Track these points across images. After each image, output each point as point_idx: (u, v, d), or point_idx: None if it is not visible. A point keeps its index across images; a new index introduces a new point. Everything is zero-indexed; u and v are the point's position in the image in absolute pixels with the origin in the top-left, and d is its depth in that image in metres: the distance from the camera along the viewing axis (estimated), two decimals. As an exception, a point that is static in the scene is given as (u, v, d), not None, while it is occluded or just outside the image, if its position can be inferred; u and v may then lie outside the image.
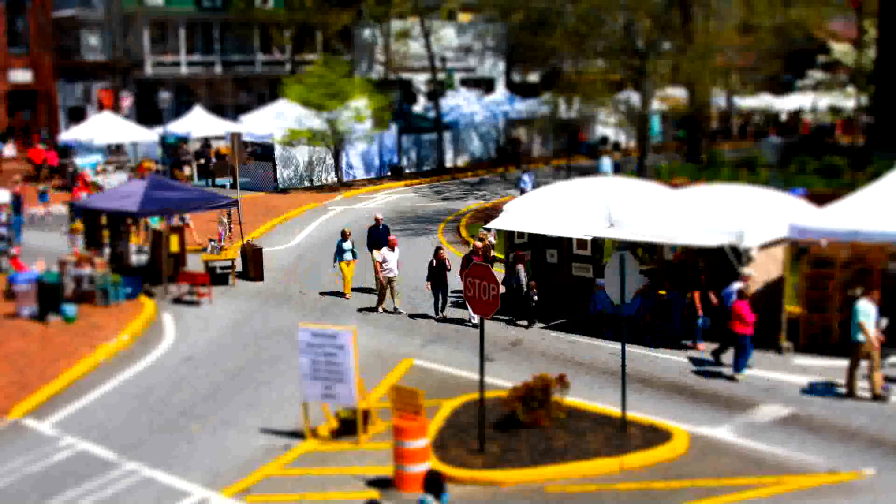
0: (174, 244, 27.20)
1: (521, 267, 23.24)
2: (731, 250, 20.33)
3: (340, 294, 25.83)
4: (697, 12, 44.01)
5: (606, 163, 44.03)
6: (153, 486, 14.96)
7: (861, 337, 17.50)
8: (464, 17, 71.70)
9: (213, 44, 66.27)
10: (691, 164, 42.19)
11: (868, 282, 19.50)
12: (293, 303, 25.51)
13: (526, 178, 39.88)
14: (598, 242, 23.95)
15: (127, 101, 60.62)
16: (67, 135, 51.87)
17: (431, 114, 55.42)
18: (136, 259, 28.88)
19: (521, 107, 59.23)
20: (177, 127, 53.27)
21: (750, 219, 20.62)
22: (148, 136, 51.85)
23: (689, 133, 50.12)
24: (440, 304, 23.85)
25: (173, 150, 51.44)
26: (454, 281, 24.15)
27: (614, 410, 16.59)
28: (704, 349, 20.38)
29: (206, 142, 51.78)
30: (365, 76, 57.65)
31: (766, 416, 16.97)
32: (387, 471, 14.80)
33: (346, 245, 25.52)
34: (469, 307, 19.90)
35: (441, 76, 60.12)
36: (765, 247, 20.70)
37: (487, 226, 26.10)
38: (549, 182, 31.69)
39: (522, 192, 36.74)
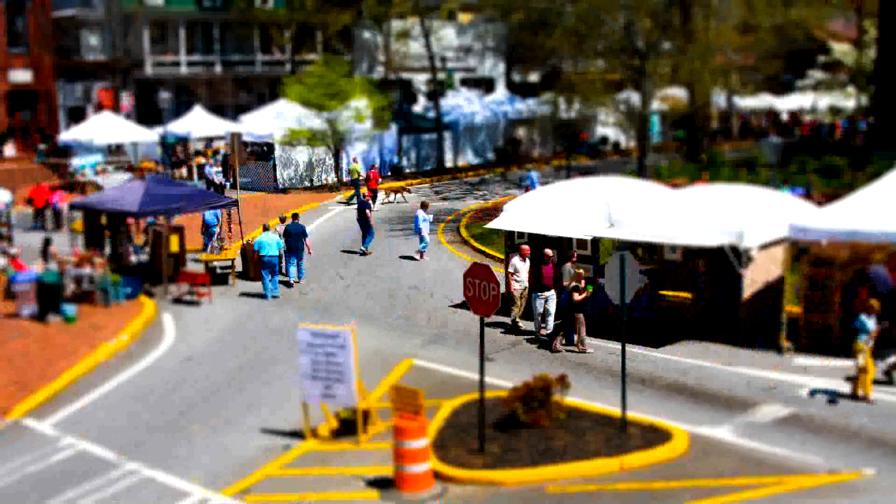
0: (174, 244, 27.21)
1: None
2: (731, 250, 20.33)
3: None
4: (697, 12, 44.00)
5: (534, 176, 41.15)
6: (153, 486, 14.96)
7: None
8: (464, 17, 71.73)
9: (213, 44, 66.30)
10: (691, 164, 42.18)
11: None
12: (293, 303, 25.51)
13: (532, 175, 39.89)
14: (598, 242, 23.96)
15: (127, 102, 60.67)
16: (67, 135, 51.95)
17: (431, 114, 55.45)
18: (136, 258, 28.89)
19: (521, 107, 59.27)
20: (177, 127, 53.32)
21: (750, 219, 20.63)
22: (148, 136, 51.91)
23: (689, 133, 50.14)
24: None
25: (174, 150, 51.53)
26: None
27: (614, 410, 16.59)
28: None
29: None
30: (365, 76, 57.67)
31: (766, 416, 16.97)
32: (387, 471, 14.80)
33: None
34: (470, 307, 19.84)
35: (441, 76, 60.13)
36: (765, 247, 20.71)
37: (489, 224, 26.07)
38: (549, 182, 31.67)
39: (528, 190, 36.83)
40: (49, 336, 22.58)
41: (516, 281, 22.40)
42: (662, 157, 50.13)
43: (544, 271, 21.81)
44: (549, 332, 21.46)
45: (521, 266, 22.45)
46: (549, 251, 22.06)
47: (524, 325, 22.46)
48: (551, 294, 21.53)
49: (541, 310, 21.63)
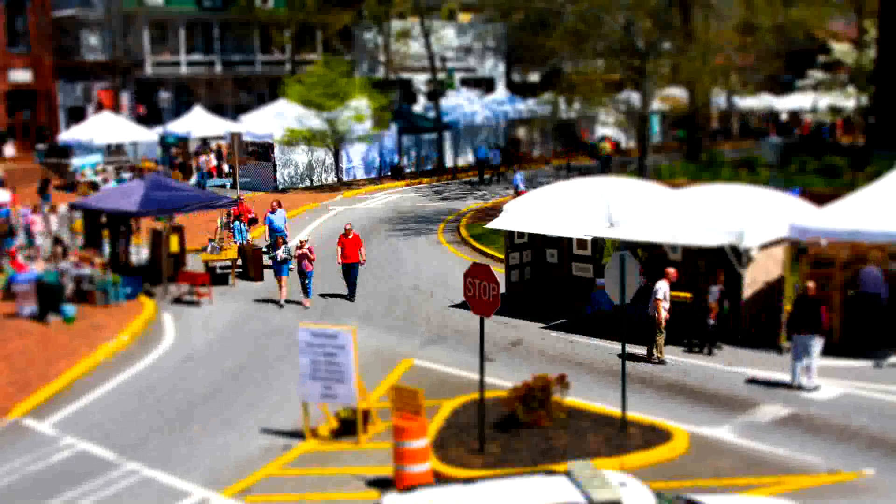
0: (174, 244, 27.21)
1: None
2: (731, 250, 20.33)
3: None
4: (697, 12, 44.00)
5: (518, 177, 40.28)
6: (153, 486, 14.97)
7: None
8: (464, 17, 71.76)
9: (213, 44, 66.32)
10: (691, 164, 42.18)
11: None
12: (293, 303, 25.49)
13: (518, 177, 39.96)
14: (598, 242, 23.96)
15: (125, 103, 60.80)
16: (67, 135, 51.95)
17: (431, 114, 55.48)
18: (136, 259, 28.91)
19: (521, 107, 59.28)
20: (177, 127, 53.32)
21: (750, 219, 20.62)
22: (148, 136, 51.91)
23: (689, 133, 50.14)
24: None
25: (176, 150, 51.61)
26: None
27: (614, 410, 16.59)
28: None
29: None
30: (365, 76, 57.68)
31: (766, 416, 16.97)
32: (387, 471, 14.80)
33: None
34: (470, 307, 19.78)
35: (441, 76, 60.12)
36: (765, 247, 20.70)
37: (489, 224, 26.10)
38: (549, 182, 31.68)
39: (516, 191, 37.10)
40: (49, 336, 22.58)
41: (664, 310, 19.70)
42: (662, 157, 50.12)
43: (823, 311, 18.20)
44: (812, 386, 18.06)
45: (663, 293, 19.75)
46: (811, 284, 18.54)
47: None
48: (816, 340, 18.13)
49: (804, 358, 18.18)
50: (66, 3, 61.71)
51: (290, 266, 25.40)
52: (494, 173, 50.05)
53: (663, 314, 19.65)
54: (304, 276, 24.68)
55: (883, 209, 19.49)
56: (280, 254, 25.10)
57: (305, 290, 24.87)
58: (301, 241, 25.09)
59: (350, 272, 25.29)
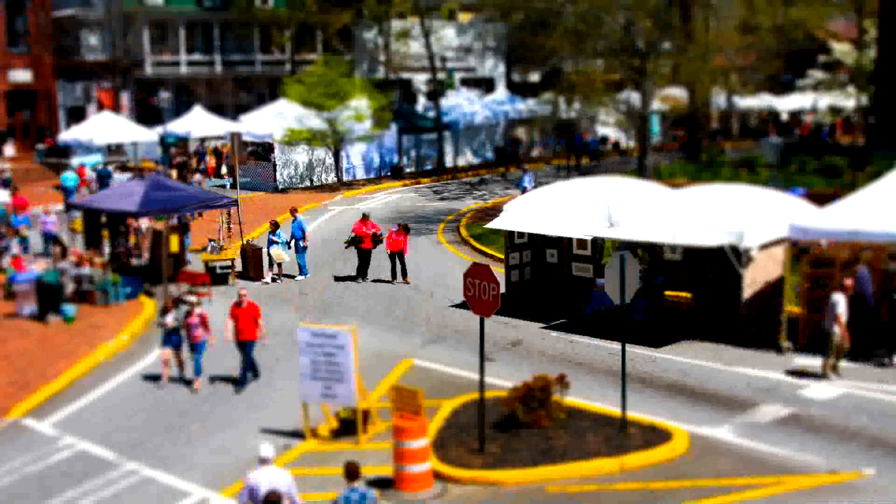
0: (174, 244, 27.20)
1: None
2: (731, 250, 20.33)
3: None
4: (697, 12, 44.00)
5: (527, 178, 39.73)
6: (153, 486, 14.97)
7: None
8: (464, 17, 71.75)
9: (213, 44, 66.33)
10: (691, 164, 42.20)
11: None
12: (293, 303, 25.49)
13: (526, 178, 39.95)
14: (598, 242, 23.95)
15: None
16: (67, 135, 51.98)
17: (431, 114, 55.50)
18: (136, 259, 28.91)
19: (522, 107, 59.29)
20: (177, 127, 53.33)
21: (750, 219, 20.62)
22: (148, 135, 51.94)
23: (689, 133, 50.13)
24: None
25: (176, 150, 51.60)
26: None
27: (614, 410, 16.59)
28: None
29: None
30: (365, 76, 57.71)
31: (766, 416, 16.97)
32: (387, 471, 14.81)
33: None
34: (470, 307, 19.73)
35: (441, 76, 60.13)
36: (765, 247, 20.70)
37: (489, 224, 26.08)
38: (549, 182, 31.67)
39: (524, 192, 36.91)
40: (49, 336, 22.58)
41: (838, 324, 18.45)
42: (663, 157, 50.12)
43: None
44: None
45: (844, 306, 18.54)
46: None
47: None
48: None
49: None
50: (66, 3, 61.73)
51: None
52: (593, 161, 52.78)
53: (836, 329, 18.38)
54: (192, 349, 19.31)
55: (883, 209, 19.47)
56: (168, 321, 19.56)
57: (195, 368, 19.34)
58: (191, 307, 19.53)
59: (246, 350, 19.23)
